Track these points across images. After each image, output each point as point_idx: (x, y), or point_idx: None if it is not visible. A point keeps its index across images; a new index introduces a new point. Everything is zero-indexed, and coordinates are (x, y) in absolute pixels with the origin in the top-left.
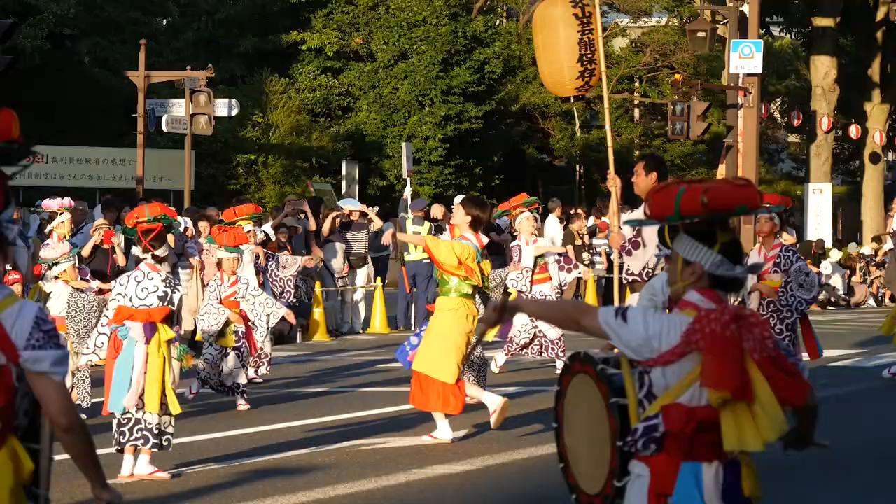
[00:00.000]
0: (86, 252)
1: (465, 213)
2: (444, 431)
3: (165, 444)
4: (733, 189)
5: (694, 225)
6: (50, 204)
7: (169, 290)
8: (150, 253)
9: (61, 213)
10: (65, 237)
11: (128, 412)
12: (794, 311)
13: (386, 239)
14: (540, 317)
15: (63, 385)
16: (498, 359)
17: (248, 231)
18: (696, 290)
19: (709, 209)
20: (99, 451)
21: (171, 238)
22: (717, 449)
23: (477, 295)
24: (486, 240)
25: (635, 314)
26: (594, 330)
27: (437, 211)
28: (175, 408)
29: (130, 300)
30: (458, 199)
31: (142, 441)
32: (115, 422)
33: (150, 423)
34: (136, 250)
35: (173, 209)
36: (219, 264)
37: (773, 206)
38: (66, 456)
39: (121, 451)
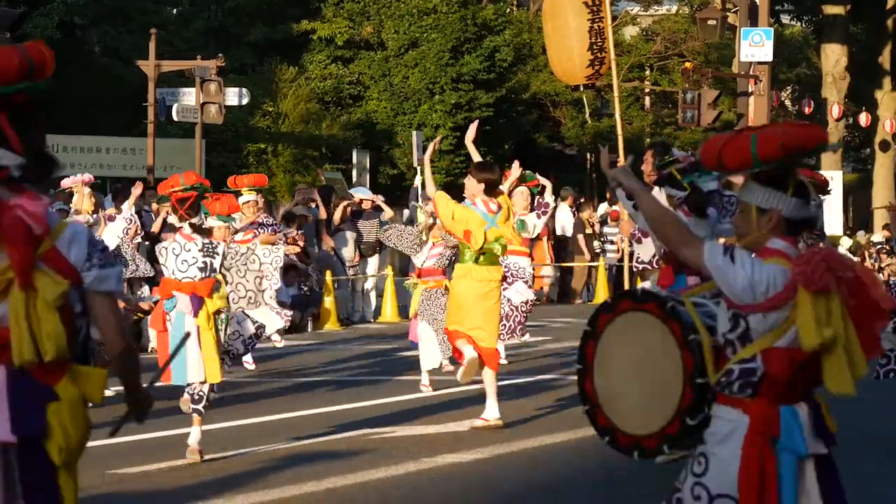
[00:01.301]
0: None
1: (477, 180)
2: (492, 411)
3: (203, 410)
4: (802, 129)
5: (765, 172)
6: (66, 183)
7: (209, 259)
8: (188, 221)
9: (76, 189)
10: (90, 212)
11: (192, 383)
12: None
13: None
14: (649, 213)
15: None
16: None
17: (248, 202)
18: (780, 237)
19: (788, 150)
20: (97, 442)
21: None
22: (806, 392)
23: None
24: (495, 206)
25: (743, 257)
26: (693, 261)
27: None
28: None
29: (172, 273)
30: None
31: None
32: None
33: (192, 391)
34: (173, 219)
35: (206, 180)
36: (210, 232)
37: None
38: None
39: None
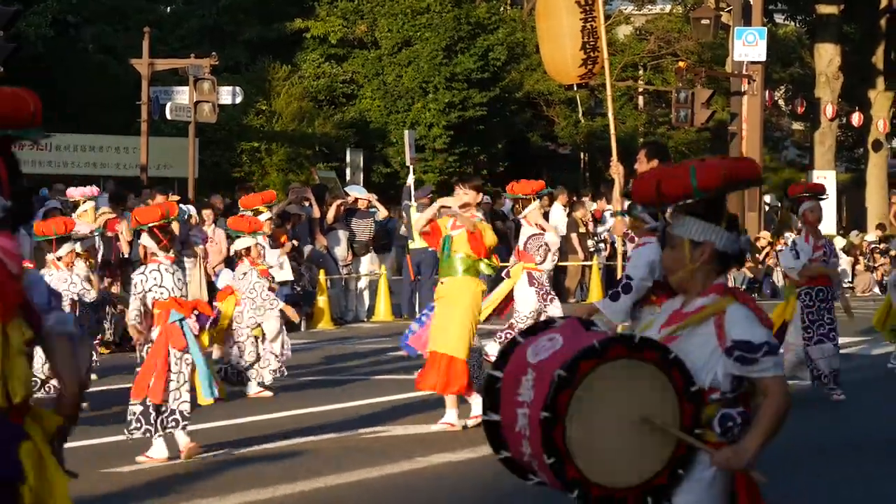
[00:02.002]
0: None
1: (476, 190)
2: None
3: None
4: (741, 161)
5: (699, 204)
6: (73, 192)
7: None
8: (170, 250)
9: (84, 203)
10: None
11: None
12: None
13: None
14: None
15: None
16: (489, 349)
17: (268, 219)
18: (713, 273)
19: (728, 180)
20: (90, 442)
21: (175, 226)
22: None
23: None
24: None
25: (759, 329)
26: (789, 399)
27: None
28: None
29: (171, 291)
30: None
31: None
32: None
33: (182, 409)
34: (156, 249)
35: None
36: (238, 254)
37: (819, 195)
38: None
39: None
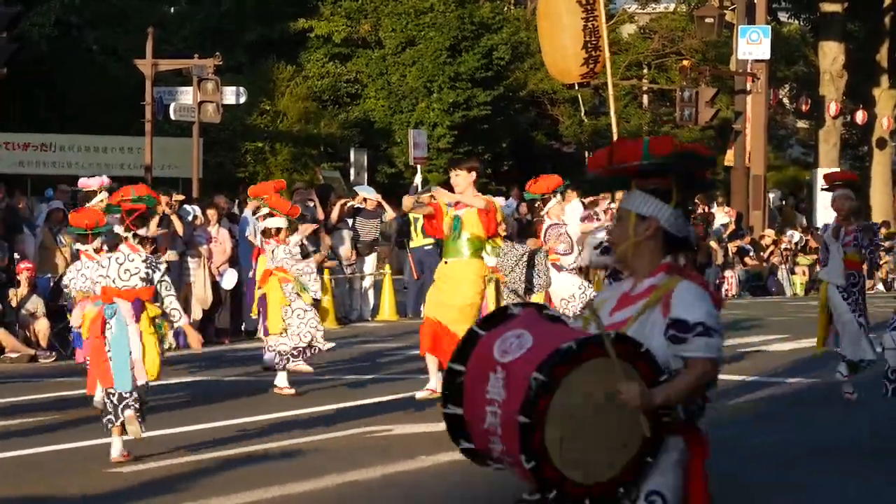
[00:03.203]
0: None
1: (468, 171)
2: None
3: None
4: (694, 144)
5: (649, 181)
6: (88, 182)
7: (150, 271)
8: (132, 232)
9: (100, 192)
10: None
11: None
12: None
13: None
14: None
15: None
16: None
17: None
18: (658, 251)
19: (679, 151)
20: (90, 442)
21: (179, 226)
22: None
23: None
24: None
25: (705, 313)
26: (712, 375)
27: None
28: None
29: (113, 282)
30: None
31: (132, 410)
32: (108, 401)
33: (136, 395)
34: (119, 228)
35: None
36: (267, 232)
37: (852, 183)
38: (56, 447)
39: (110, 429)
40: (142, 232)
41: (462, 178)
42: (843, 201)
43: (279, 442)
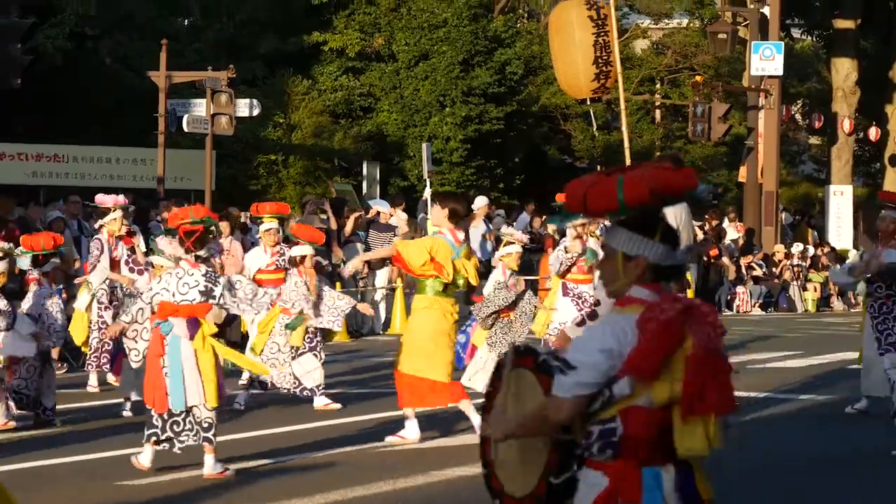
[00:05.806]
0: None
1: (441, 206)
2: (411, 431)
3: (214, 437)
4: (670, 173)
5: (632, 218)
6: (104, 199)
7: (210, 285)
8: (193, 254)
9: (114, 210)
10: (115, 234)
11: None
12: None
13: (348, 271)
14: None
15: None
16: None
17: (269, 230)
18: (642, 285)
19: (655, 195)
20: (108, 453)
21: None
22: (672, 452)
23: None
24: (462, 236)
25: (578, 350)
26: (569, 411)
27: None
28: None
29: (173, 296)
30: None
31: (194, 435)
32: (159, 418)
33: (199, 418)
34: (180, 251)
35: (215, 214)
36: (293, 261)
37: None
38: (70, 459)
39: (159, 446)
40: (202, 253)
41: (436, 212)
42: (884, 221)
43: (288, 456)
